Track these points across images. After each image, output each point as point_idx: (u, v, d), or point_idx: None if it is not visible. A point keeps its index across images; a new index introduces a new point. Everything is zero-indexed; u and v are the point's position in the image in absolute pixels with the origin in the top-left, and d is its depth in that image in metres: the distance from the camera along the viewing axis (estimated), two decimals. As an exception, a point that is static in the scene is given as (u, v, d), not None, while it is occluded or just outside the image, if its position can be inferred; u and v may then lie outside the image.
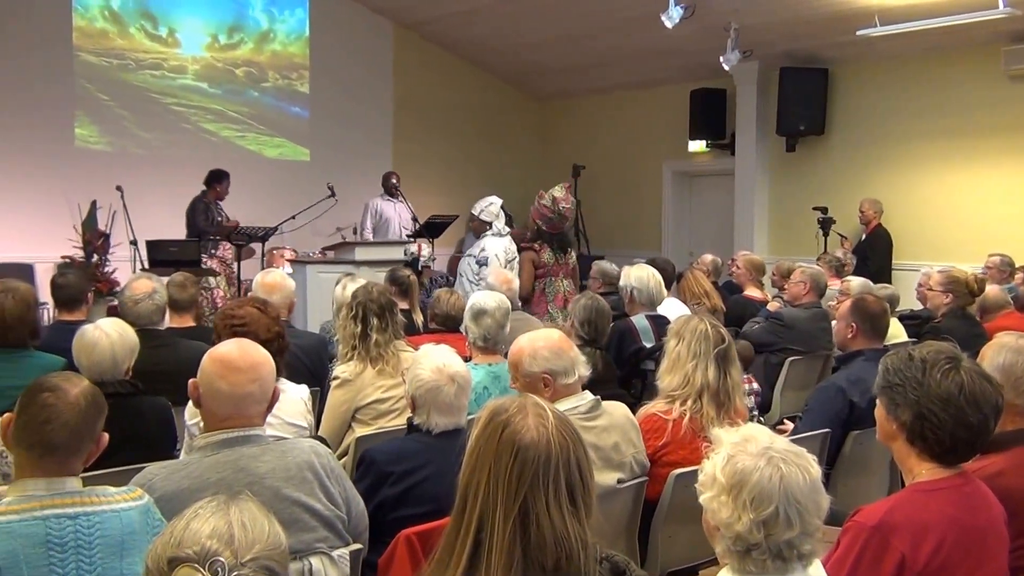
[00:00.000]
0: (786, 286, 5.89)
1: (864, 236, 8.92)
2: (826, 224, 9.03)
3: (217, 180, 8.70)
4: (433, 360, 2.88)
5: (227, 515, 1.38)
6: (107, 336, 3.22)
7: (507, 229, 7.47)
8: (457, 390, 2.83)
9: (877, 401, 2.22)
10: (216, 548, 1.32)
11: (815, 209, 9.23)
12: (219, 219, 8.55)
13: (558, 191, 7.55)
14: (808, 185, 9.78)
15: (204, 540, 1.33)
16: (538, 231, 7.54)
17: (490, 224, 7.43)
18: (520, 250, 7.92)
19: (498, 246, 7.24)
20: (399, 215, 9.62)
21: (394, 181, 9.71)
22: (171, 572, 1.32)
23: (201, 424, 3.05)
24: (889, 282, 7.52)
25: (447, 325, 4.65)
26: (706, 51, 9.29)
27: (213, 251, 8.44)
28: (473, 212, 7.60)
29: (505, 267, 7.12)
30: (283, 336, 3.22)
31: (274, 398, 2.39)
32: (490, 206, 7.55)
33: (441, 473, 2.66)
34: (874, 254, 8.65)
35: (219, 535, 1.34)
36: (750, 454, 1.68)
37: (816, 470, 1.69)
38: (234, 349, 2.37)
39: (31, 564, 1.88)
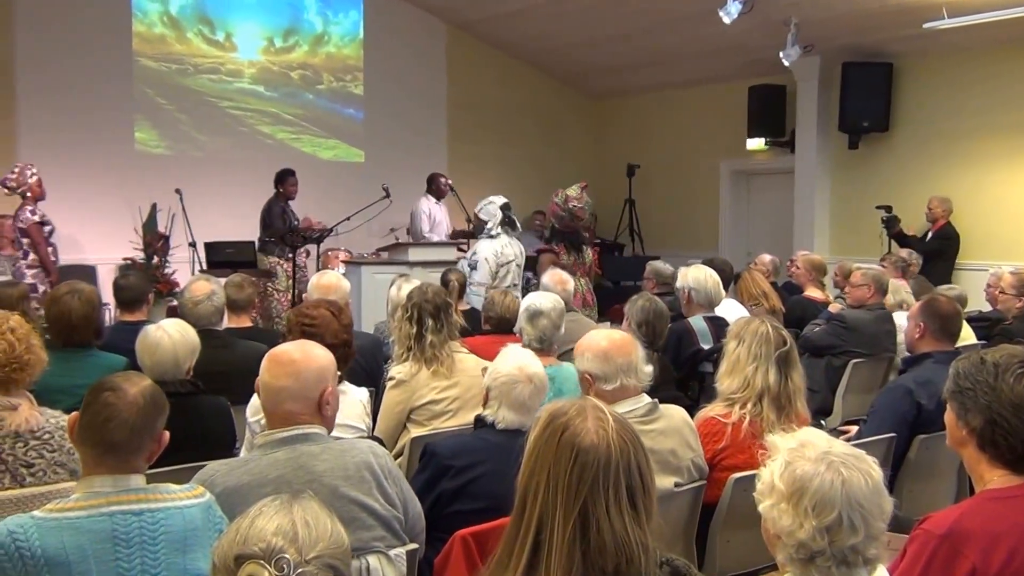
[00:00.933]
0: (848, 289, 5.75)
1: (930, 235, 8.68)
2: (890, 223, 8.79)
3: (281, 180, 8.74)
4: (516, 358, 2.92)
5: (291, 513, 1.40)
6: (169, 336, 3.29)
7: (499, 230, 7.18)
8: (532, 390, 2.84)
9: (947, 406, 2.15)
10: (281, 545, 1.35)
11: (879, 208, 8.99)
12: (295, 222, 8.58)
13: (572, 190, 7.49)
14: (871, 183, 9.55)
15: (269, 537, 1.36)
16: (553, 230, 7.43)
17: (486, 223, 7.20)
18: (539, 252, 7.86)
19: (488, 249, 7.02)
20: (446, 217, 9.60)
21: (445, 182, 9.67)
22: (238, 569, 1.34)
23: (262, 421, 3.11)
24: (950, 282, 7.33)
25: (500, 327, 4.62)
26: (765, 47, 9.14)
27: (290, 255, 8.42)
28: (476, 211, 7.36)
29: (497, 271, 6.98)
30: (350, 344, 3.25)
31: (323, 400, 2.38)
32: (489, 205, 7.27)
33: (499, 471, 2.65)
34: (937, 252, 8.42)
35: (284, 533, 1.37)
36: (808, 459, 1.64)
37: (878, 472, 1.66)
38: (292, 347, 2.44)
39: (98, 559, 1.93)
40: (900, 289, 6.25)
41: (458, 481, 2.76)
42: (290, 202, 8.73)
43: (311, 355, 2.41)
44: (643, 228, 11.40)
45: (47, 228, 7.42)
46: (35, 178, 7.40)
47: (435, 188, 9.42)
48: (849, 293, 5.59)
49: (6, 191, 7.42)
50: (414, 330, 3.84)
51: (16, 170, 7.43)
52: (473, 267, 6.91)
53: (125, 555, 1.96)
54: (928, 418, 3.47)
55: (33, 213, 7.34)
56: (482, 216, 7.21)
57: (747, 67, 10.21)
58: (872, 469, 1.65)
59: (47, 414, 2.82)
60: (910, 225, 8.84)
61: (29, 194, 7.37)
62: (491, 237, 7.07)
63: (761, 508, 1.68)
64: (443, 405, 3.74)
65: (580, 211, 7.23)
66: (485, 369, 3.07)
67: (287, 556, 1.33)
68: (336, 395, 2.46)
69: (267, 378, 2.36)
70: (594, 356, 2.92)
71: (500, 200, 7.28)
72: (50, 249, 7.42)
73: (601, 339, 2.99)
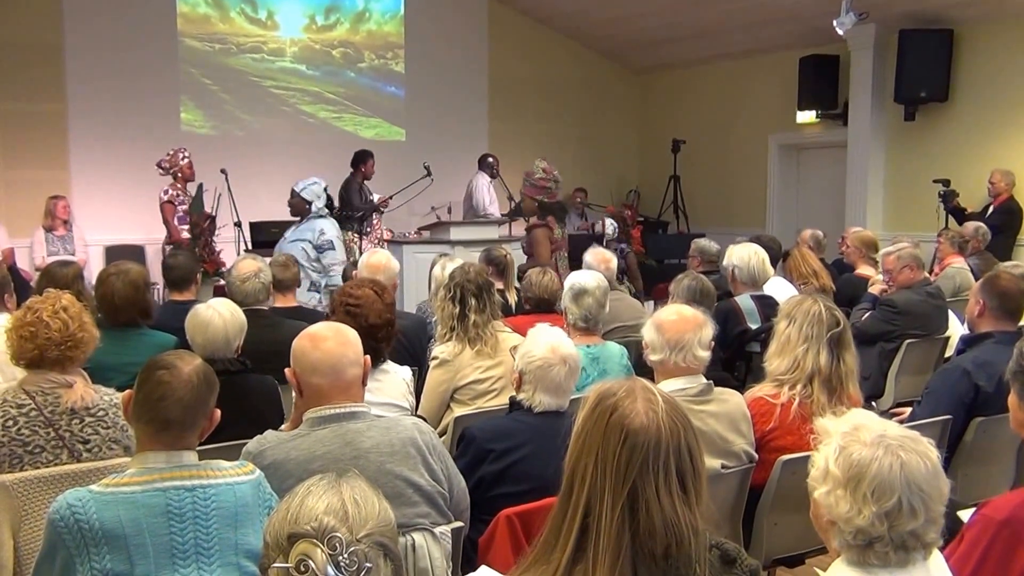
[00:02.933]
0: (888, 280, 5.55)
1: (992, 209, 8.40)
2: (947, 198, 8.51)
3: (361, 160, 8.84)
4: (548, 339, 2.88)
5: (340, 492, 1.42)
6: (220, 315, 3.34)
7: (327, 211, 7.07)
8: (567, 372, 2.82)
9: (1011, 387, 2.08)
10: (333, 524, 1.36)
11: (936, 182, 8.70)
12: (371, 199, 8.69)
13: (543, 163, 7.54)
14: (928, 156, 9.24)
15: (320, 516, 1.37)
16: (541, 206, 7.39)
17: (310, 204, 7.04)
18: (531, 228, 7.84)
19: (333, 228, 6.94)
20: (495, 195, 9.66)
21: (491, 160, 9.71)
22: (290, 547, 1.36)
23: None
24: (1011, 258, 7.13)
25: (541, 307, 4.59)
26: (817, 15, 8.89)
27: (368, 231, 8.52)
28: (295, 189, 7.19)
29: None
30: (392, 324, 3.25)
31: (366, 369, 2.46)
32: (313, 185, 7.13)
33: (540, 452, 2.69)
34: (999, 227, 8.16)
35: (334, 511, 1.38)
36: (864, 443, 1.59)
37: (935, 454, 1.61)
38: (321, 326, 2.50)
39: (153, 532, 1.98)
40: (955, 275, 6.09)
41: (499, 465, 2.75)
42: (367, 181, 8.83)
43: (343, 327, 2.50)
44: (688, 205, 11.25)
45: (182, 208, 7.89)
46: (186, 160, 7.97)
47: (484, 165, 9.71)
48: (895, 281, 5.40)
49: (160, 171, 7.98)
50: (457, 310, 3.83)
51: (171, 153, 8.00)
52: (324, 248, 6.77)
53: (179, 529, 2.00)
54: (986, 400, 3.38)
55: (165, 193, 7.88)
56: (306, 196, 7.06)
57: (798, 37, 9.96)
58: (929, 451, 1.60)
59: (101, 391, 2.87)
60: (970, 199, 8.56)
61: (179, 175, 7.95)
62: (320, 216, 6.95)
63: (816, 495, 1.64)
64: (487, 384, 3.75)
65: (559, 178, 7.25)
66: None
67: (339, 535, 1.34)
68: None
69: (318, 355, 2.38)
70: (651, 324, 3.01)
71: (323, 182, 7.20)
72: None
73: (670, 312, 3.04)
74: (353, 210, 8.51)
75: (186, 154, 8.00)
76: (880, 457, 1.56)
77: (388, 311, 3.23)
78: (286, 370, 2.45)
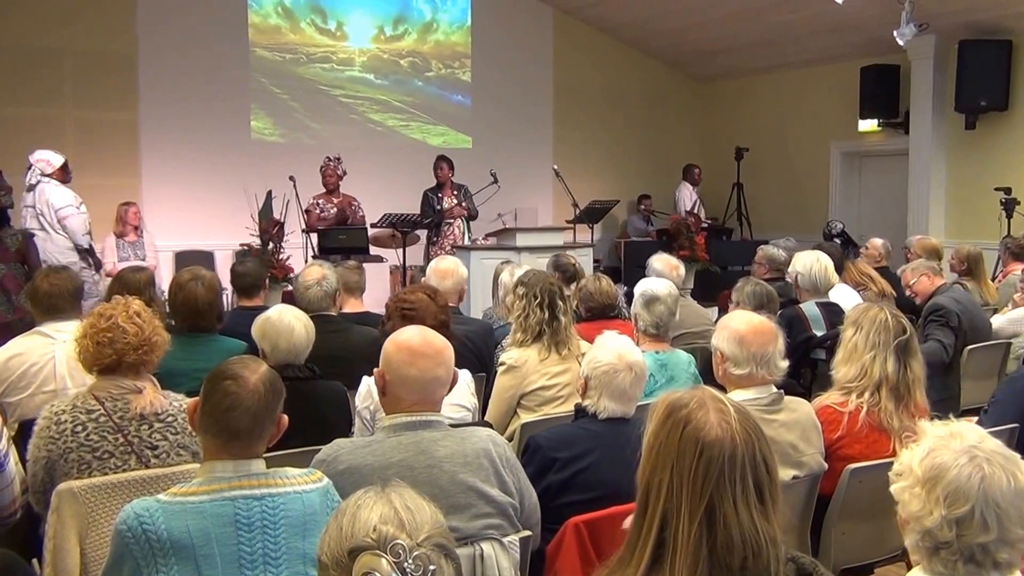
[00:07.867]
0: (908, 293, 5.42)
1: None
2: (1009, 205, 8.37)
3: (434, 167, 9.00)
4: (615, 346, 2.87)
5: (390, 501, 1.40)
6: (300, 322, 3.36)
7: None
8: (633, 379, 2.80)
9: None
10: (392, 532, 1.34)
11: (998, 190, 8.58)
12: (439, 207, 8.80)
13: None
14: (990, 164, 9.14)
15: (378, 526, 1.35)
16: None
17: None
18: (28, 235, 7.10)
19: None
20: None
21: (696, 170, 10.95)
22: (352, 563, 1.33)
23: (371, 408, 3.15)
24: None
25: (603, 313, 4.55)
26: (878, 26, 8.84)
27: (436, 239, 8.68)
28: None
29: None
30: (447, 326, 3.23)
31: (454, 381, 2.46)
32: None
33: (607, 459, 2.68)
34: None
35: (389, 520, 1.36)
36: (952, 450, 1.57)
37: None
38: (416, 336, 2.43)
39: (221, 542, 1.97)
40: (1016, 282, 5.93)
41: (565, 473, 2.73)
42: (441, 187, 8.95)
43: (443, 342, 2.45)
44: (751, 212, 11.18)
45: (318, 211, 8.47)
46: (328, 168, 8.58)
47: (689, 177, 11.00)
48: (915, 294, 5.27)
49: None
50: (546, 315, 3.80)
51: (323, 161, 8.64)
52: None
53: (247, 539, 1.99)
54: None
55: (314, 205, 8.46)
56: None
57: (859, 47, 9.90)
58: (1020, 471, 1.56)
59: (170, 397, 2.87)
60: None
61: (326, 184, 8.58)
62: None
63: (893, 488, 1.63)
64: (554, 391, 3.72)
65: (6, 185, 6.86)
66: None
67: (401, 541, 1.33)
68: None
69: (414, 372, 2.35)
70: (730, 336, 2.89)
71: None
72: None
73: (743, 322, 2.94)
74: (426, 220, 8.70)
75: (328, 161, 8.42)
76: (962, 464, 1.55)
77: (442, 313, 3.25)
78: (375, 370, 2.43)
